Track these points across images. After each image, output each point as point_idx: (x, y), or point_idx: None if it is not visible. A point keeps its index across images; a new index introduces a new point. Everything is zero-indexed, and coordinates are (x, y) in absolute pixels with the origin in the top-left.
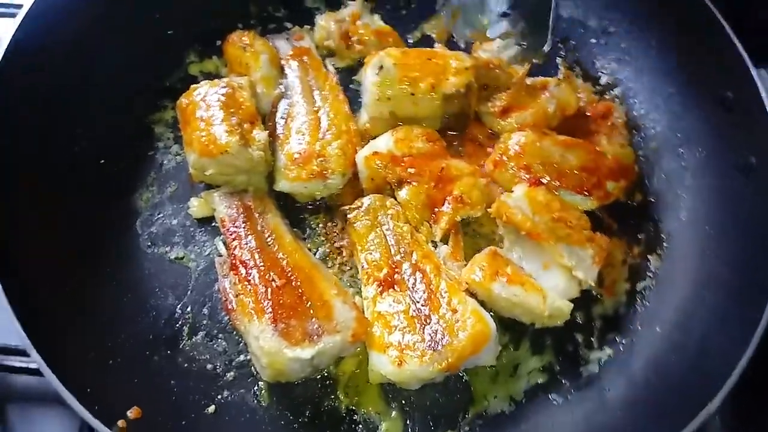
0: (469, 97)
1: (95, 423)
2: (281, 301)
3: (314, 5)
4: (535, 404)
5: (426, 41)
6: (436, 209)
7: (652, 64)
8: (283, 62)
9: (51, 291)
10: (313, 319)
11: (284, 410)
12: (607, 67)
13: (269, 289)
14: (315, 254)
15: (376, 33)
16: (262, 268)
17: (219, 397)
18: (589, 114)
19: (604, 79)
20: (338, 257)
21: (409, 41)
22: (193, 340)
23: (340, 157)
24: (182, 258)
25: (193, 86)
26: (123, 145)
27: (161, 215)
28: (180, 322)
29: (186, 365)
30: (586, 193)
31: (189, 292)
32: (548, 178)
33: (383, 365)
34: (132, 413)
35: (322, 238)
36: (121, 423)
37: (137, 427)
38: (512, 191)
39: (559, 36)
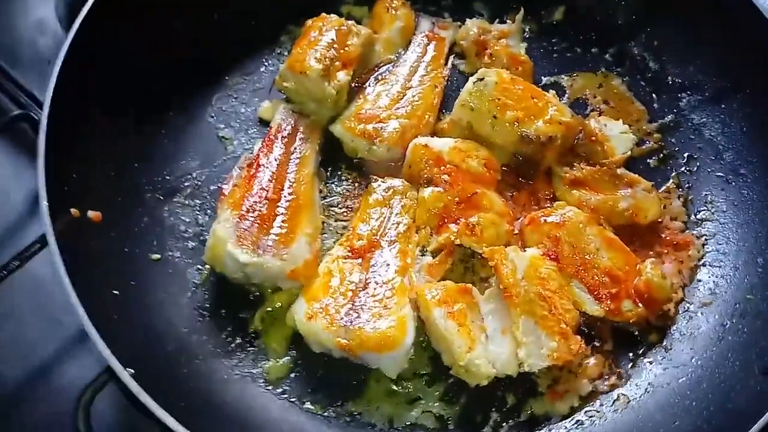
0: (547, 149)
1: None
2: (258, 210)
3: (479, 10)
4: None
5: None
6: (446, 222)
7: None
8: (413, 38)
9: None
10: (271, 238)
11: (207, 297)
12: (714, 206)
13: (258, 195)
14: (324, 198)
15: (510, 56)
16: (269, 178)
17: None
18: (663, 236)
19: (702, 214)
20: (341, 213)
21: (540, 81)
22: (182, 200)
23: (395, 133)
24: (228, 139)
25: (324, 14)
26: (251, 39)
27: (236, 101)
28: (186, 182)
29: (170, 218)
30: (597, 298)
31: (212, 166)
32: (567, 262)
33: (298, 311)
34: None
35: (340, 190)
36: (73, 211)
37: None
38: (524, 250)
39: (688, 151)
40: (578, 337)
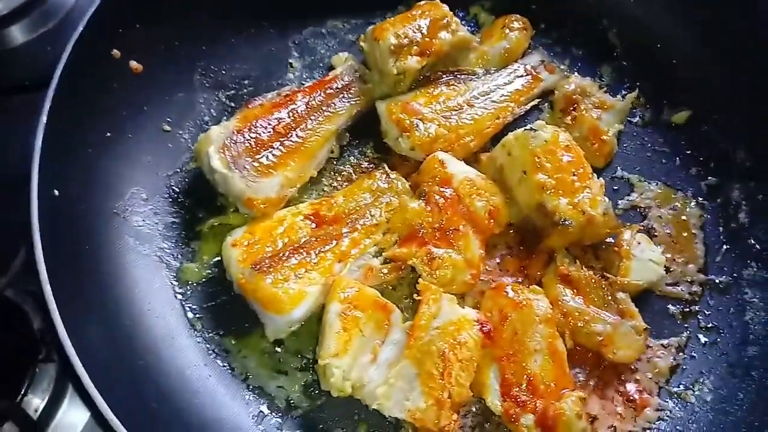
0: (556, 231)
1: None
2: (259, 134)
3: (606, 76)
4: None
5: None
6: (414, 240)
7: None
8: (513, 64)
9: None
10: (251, 163)
11: (185, 181)
12: (699, 392)
13: (269, 122)
14: (334, 161)
15: (593, 127)
16: (290, 113)
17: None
18: (627, 385)
19: (681, 390)
20: (339, 180)
21: (615, 171)
22: (222, 97)
23: (426, 137)
24: (294, 67)
25: (438, 1)
26: None
27: (323, 40)
28: (233, 83)
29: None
30: (504, 395)
31: (265, 82)
32: (501, 345)
33: (231, 234)
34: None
35: (353, 161)
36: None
37: None
38: (464, 308)
39: (717, 323)
40: (455, 416)
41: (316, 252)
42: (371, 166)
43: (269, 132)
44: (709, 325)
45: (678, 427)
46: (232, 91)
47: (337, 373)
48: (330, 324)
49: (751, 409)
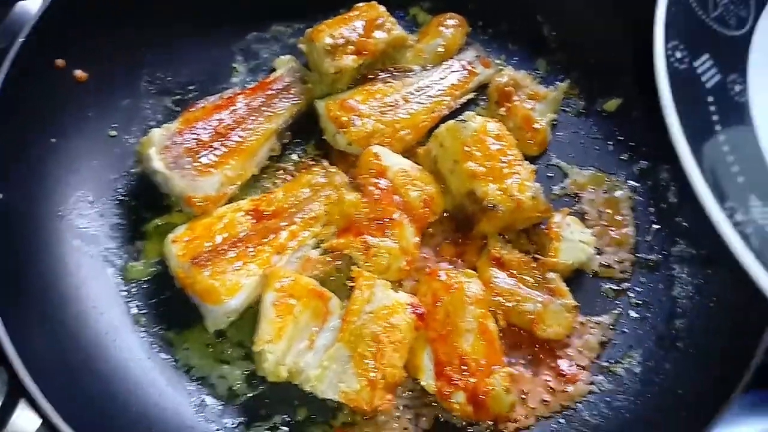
0: (487, 216)
1: None
2: (200, 135)
3: (539, 69)
4: None
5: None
6: (352, 230)
7: None
8: (448, 61)
9: None
10: (192, 163)
11: (132, 185)
12: (629, 365)
13: (210, 124)
14: (276, 159)
15: (525, 118)
16: (231, 114)
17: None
18: (558, 360)
19: (610, 364)
20: (280, 177)
21: (550, 160)
22: (169, 103)
23: (362, 132)
24: (238, 72)
25: (375, 2)
26: None
27: (266, 45)
28: (179, 89)
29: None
30: (438, 374)
31: (209, 87)
32: (434, 327)
33: (173, 232)
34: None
35: (295, 158)
36: (60, 62)
37: None
38: (398, 292)
39: (647, 298)
40: (389, 396)
41: (255, 245)
42: (312, 162)
43: (210, 133)
44: (639, 301)
45: (606, 398)
46: (178, 96)
47: (270, 359)
48: (265, 312)
49: (676, 378)
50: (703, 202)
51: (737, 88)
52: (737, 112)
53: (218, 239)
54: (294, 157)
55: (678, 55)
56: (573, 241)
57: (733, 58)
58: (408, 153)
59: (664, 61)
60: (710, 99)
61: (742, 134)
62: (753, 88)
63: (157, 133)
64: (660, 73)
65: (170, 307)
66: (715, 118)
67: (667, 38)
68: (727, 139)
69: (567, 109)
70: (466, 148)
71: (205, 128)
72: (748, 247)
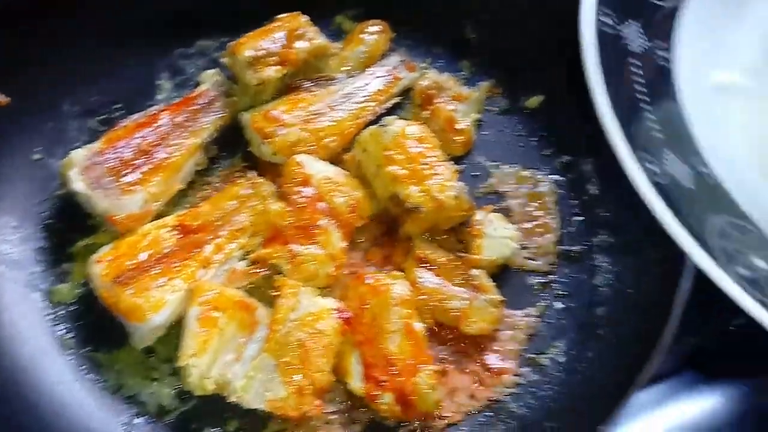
0: (410, 218)
1: None
2: (123, 153)
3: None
4: None
5: None
6: (278, 240)
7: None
8: (371, 67)
9: None
10: (113, 182)
11: (58, 206)
12: (552, 354)
13: (133, 142)
14: (203, 173)
15: (448, 120)
16: (155, 131)
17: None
18: (485, 355)
19: (535, 355)
20: (210, 189)
21: (474, 160)
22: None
23: (286, 142)
24: (164, 89)
25: (297, 13)
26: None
27: (191, 61)
28: (103, 107)
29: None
30: (366, 377)
31: (134, 105)
32: (361, 330)
33: (97, 254)
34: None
35: (223, 170)
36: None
37: None
38: (325, 298)
39: (570, 290)
40: (318, 402)
41: (180, 260)
42: (239, 174)
43: (133, 150)
44: (564, 292)
45: (532, 389)
46: (104, 116)
47: (195, 373)
48: (188, 327)
49: (598, 365)
50: (619, 156)
51: (663, 54)
52: (661, 78)
53: (142, 257)
54: (221, 170)
55: (605, 19)
56: (496, 237)
57: (662, 27)
58: (335, 160)
59: (593, 25)
60: (635, 62)
61: (665, 99)
62: (679, 57)
63: (78, 154)
64: (586, 35)
65: (98, 328)
66: (639, 80)
67: (599, 3)
68: (651, 102)
69: (492, 108)
70: (388, 152)
71: (127, 146)
72: (660, 197)
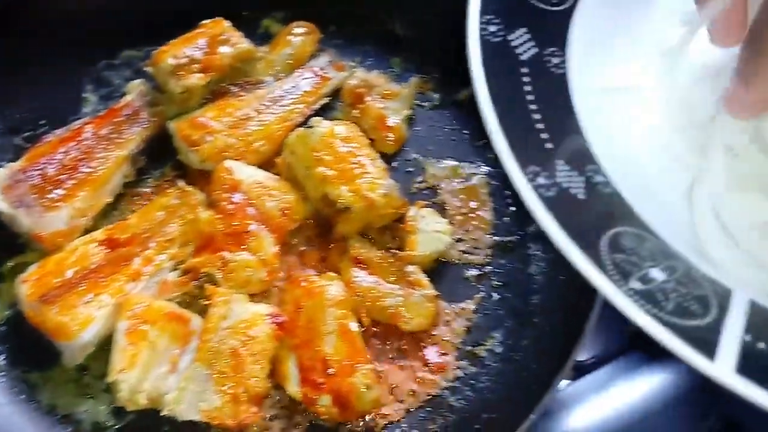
0: (342, 218)
1: None
2: (46, 170)
3: (395, 68)
4: None
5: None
6: (208, 248)
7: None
8: (299, 69)
9: None
10: (37, 199)
11: None
12: (490, 347)
13: (56, 157)
14: (132, 186)
15: (379, 118)
16: (78, 145)
17: None
18: (424, 350)
19: (473, 348)
20: (140, 201)
21: (409, 158)
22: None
23: (214, 148)
24: (89, 101)
25: (219, 18)
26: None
27: (118, 72)
28: (28, 124)
29: None
30: (303, 380)
31: (59, 120)
32: (297, 334)
33: (24, 273)
34: None
35: (153, 181)
36: None
37: None
38: (258, 304)
39: (506, 279)
40: (255, 408)
41: (107, 275)
42: (169, 184)
43: (56, 166)
44: (500, 283)
45: (471, 381)
46: (29, 133)
47: (125, 388)
48: (117, 342)
49: (533, 352)
50: (508, 171)
51: (555, 60)
52: (553, 86)
53: (69, 273)
54: (152, 181)
55: (492, 28)
56: (429, 232)
57: (552, 32)
58: (267, 164)
59: (477, 35)
60: (524, 71)
61: (558, 107)
62: (573, 60)
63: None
64: (471, 46)
65: (30, 349)
66: (527, 88)
67: (483, 12)
68: (540, 108)
69: (424, 104)
70: (316, 154)
71: (50, 162)
72: (550, 211)
